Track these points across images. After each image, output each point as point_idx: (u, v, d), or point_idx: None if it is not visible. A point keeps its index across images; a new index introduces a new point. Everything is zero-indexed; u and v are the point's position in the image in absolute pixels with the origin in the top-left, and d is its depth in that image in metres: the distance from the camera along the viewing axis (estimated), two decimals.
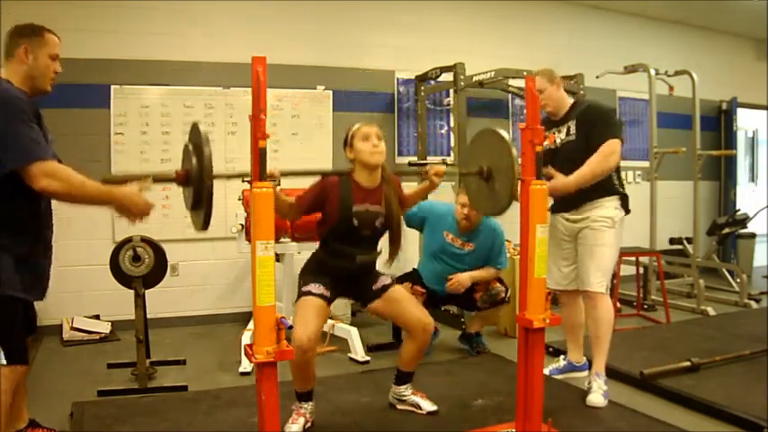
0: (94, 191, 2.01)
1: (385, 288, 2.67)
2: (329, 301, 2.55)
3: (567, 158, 2.83)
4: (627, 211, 2.98)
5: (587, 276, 2.92)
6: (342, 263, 2.56)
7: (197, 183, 1.88)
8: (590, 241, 2.91)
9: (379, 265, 2.71)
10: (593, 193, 2.88)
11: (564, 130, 2.96)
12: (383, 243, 2.66)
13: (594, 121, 2.85)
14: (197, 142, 1.91)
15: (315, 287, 2.53)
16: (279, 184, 2.21)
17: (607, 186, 2.89)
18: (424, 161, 5.04)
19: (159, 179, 2.09)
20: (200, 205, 1.90)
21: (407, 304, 2.68)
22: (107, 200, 2.04)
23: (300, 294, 2.55)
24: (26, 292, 2.06)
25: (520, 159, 2.31)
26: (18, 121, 1.94)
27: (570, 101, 3.04)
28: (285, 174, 2.21)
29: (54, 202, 2.19)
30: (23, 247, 2.05)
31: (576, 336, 3.25)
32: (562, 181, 2.71)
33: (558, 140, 2.95)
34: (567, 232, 3.02)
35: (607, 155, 2.77)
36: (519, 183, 2.27)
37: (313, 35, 4.93)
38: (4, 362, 2.00)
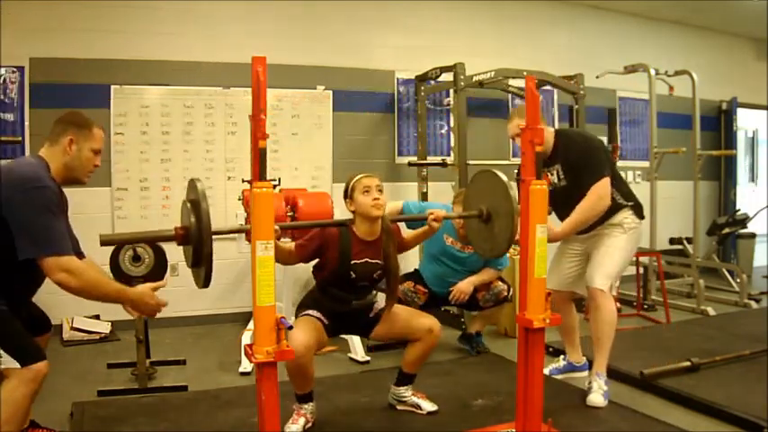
0: (109, 291, 2.10)
1: (381, 311, 2.69)
2: (327, 328, 2.56)
3: (564, 202, 2.87)
4: (641, 218, 3.00)
5: (593, 275, 2.91)
6: (337, 306, 2.60)
7: (196, 242, 1.88)
8: (602, 243, 2.94)
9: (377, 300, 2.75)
10: (602, 220, 2.91)
11: (554, 173, 2.96)
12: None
13: (580, 164, 2.86)
14: (195, 200, 1.90)
15: (314, 312, 2.57)
16: (278, 237, 2.22)
17: (613, 207, 2.90)
18: (424, 161, 5.04)
19: (158, 239, 2.11)
20: (200, 264, 1.90)
21: (406, 314, 2.71)
22: (120, 299, 2.12)
23: (298, 317, 2.58)
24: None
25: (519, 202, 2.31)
26: (46, 211, 1.99)
27: (552, 133, 2.98)
28: (284, 227, 2.22)
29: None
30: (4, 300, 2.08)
31: (571, 338, 3.26)
32: (554, 233, 2.74)
33: (553, 182, 2.95)
34: (579, 246, 3.06)
35: (595, 200, 2.80)
36: (519, 226, 2.29)
37: (313, 35, 4.93)
38: (18, 365, 2.01)
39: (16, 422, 2.03)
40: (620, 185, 2.97)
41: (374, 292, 2.71)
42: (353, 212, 2.57)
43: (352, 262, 2.53)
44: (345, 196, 2.60)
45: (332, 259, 2.53)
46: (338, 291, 2.58)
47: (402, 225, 2.81)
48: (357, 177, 2.56)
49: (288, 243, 2.56)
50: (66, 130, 2.16)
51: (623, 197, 2.96)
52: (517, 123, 2.88)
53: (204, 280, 1.90)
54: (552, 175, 2.96)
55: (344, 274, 2.53)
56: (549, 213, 2.95)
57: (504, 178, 2.36)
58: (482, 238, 2.50)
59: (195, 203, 1.88)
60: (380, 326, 2.69)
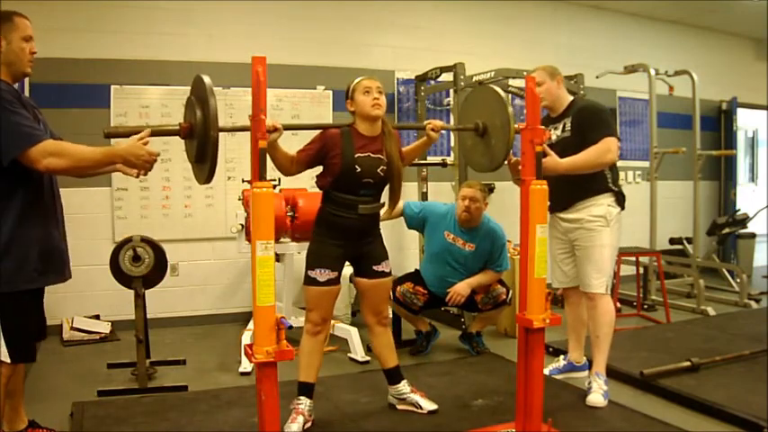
0: (96, 155, 2.05)
1: (381, 275, 2.70)
2: (336, 281, 2.59)
3: (562, 154, 2.79)
4: (622, 208, 2.97)
5: (587, 278, 2.92)
6: (346, 216, 2.55)
7: (202, 135, 1.86)
8: (586, 243, 2.91)
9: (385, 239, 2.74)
10: (585, 192, 2.89)
11: (560, 126, 2.96)
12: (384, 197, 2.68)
13: (591, 121, 2.85)
14: (201, 95, 1.88)
15: (320, 273, 2.55)
16: (280, 135, 2.20)
17: (600, 185, 2.90)
18: (425, 161, 5.03)
19: (161, 132, 2.09)
20: (205, 158, 1.88)
21: (380, 297, 2.76)
22: (110, 159, 2.07)
23: (307, 280, 2.57)
24: (42, 277, 2.07)
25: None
26: (5, 110, 1.94)
27: (569, 98, 3.03)
28: (287, 127, 2.21)
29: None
30: (35, 231, 2.05)
31: (578, 334, 3.25)
32: (554, 160, 2.65)
33: (554, 136, 2.95)
34: (563, 231, 3.03)
35: (603, 150, 2.77)
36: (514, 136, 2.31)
37: (313, 35, 4.93)
38: (8, 360, 2.00)
39: None
40: (614, 172, 2.96)
41: (380, 201, 2.65)
42: (353, 113, 2.58)
43: (356, 155, 2.51)
44: (346, 97, 2.60)
45: (335, 157, 2.50)
46: (344, 194, 2.54)
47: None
48: (358, 79, 2.57)
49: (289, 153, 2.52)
50: None
51: (612, 180, 2.95)
52: (537, 74, 2.92)
53: (208, 175, 1.89)
54: (556, 129, 2.96)
55: (349, 168, 2.50)
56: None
57: (501, 92, 2.37)
58: (479, 152, 2.51)
59: (201, 98, 1.87)
60: (367, 281, 2.69)
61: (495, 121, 2.37)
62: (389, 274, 2.74)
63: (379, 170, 2.56)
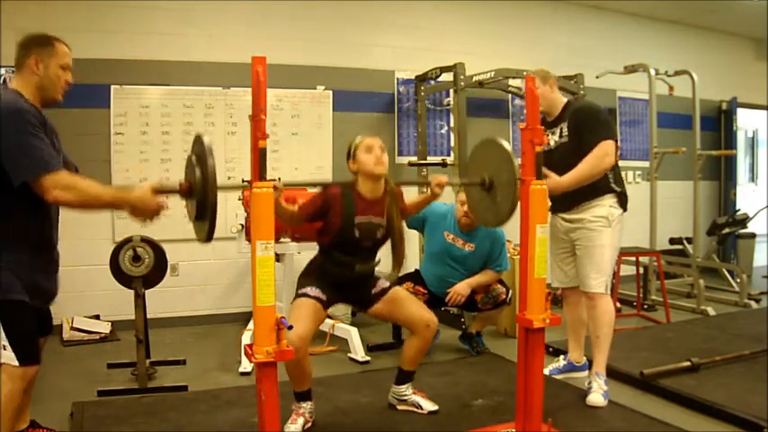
0: (106, 197, 2.04)
1: (384, 291, 2.68)
2: (325, 304, 2.56)
3: (561, 160, 2.82)
4: (624, 209, 2.97)
5: (586, 278, 2.92)
6: (341, 271, 2.59)
7: (201, 195, 1.88)
8: (587, 242, 2.91)
9: (386, 275, 2.73)
10: (588, 193, 2.88)
11: (557, 131, 2.95)
12: (383, 252, 2.67)
13: (586, 123, 2.85)
14: (201, 154, 1.90)
15: (311, 290, 2.55)
16: (281, 195, 2.22)
17: (602, 186, 2.89)
18: (424, 161, 5.04)
19: (161, 191, 2.10)
20: (204, 217, 1.89)
21: (408, 303, 2.70)
22: (119, 204, 2.06)
23: (296, 296, 2.57)
24: (31, 297, 2.07)
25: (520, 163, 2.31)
26: (27, 134, 1.95)
27: (564, 101, 3.03)
28: (288, 185, 2.21)
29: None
30: (25, 255, 2.05)
31: (577, 334, 3.25)
32: (554, 180, 2.69)
33: (552, 142, 2.95)
34: (564, 231, 3.03)
35: (601, 156, 2.77)
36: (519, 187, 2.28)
37: (313, 35, 4.93)
38: (17, 363, 2.01)
39: (8, 419, 2.02)
40: (616, 172, 2.95)
41: (377, 259, 2.67)
42: (356, 173, 2.57)
43: (356, 220, 2.51)
44: (348, 157, 2.60)
45: (335, 217, 2.51)
46: (342, 254, 2.56)
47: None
48: (359, 138, 2.57)
49: (292, 206, 2.52)
50: (29, 51, 2.10)
51: (615, 181, 2.95)
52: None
53: (207, 233, 1.90)
54: (554, 134, 2.95)
55: (348, 232, 2.51)
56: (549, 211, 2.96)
57: (507, 146, 2.35)
58: (484, 207, 2.50)
59: (201, 157, 1.88)
60: (382, 304, 2.67)
61: (502, 176, 2.35)
62: (392, 285, 2.73)
63: (378, 234, 2.58)
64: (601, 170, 2.79)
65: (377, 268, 2.72)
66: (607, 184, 2.91)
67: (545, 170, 2.69)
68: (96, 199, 2.02)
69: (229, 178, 4.62)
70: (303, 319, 2.44)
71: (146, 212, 2.05)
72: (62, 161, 2.08)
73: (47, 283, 2.18)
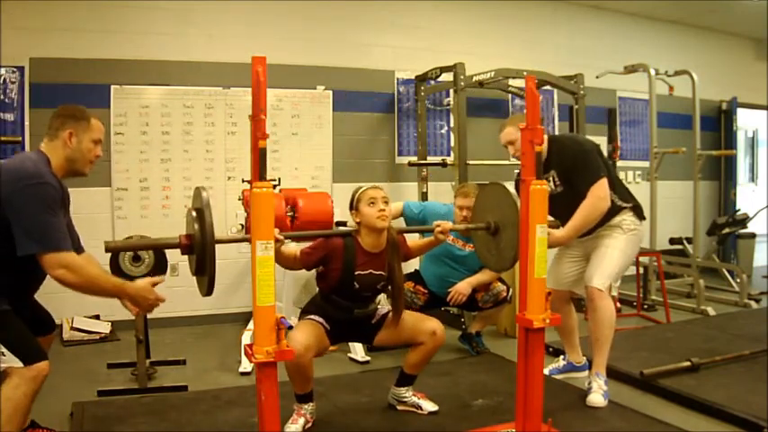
0: (107, 286, 2.11)
1: (383, 317, 2.70)
2: (329, 333, 2.58)
3: (562, 209, 2.81)
4: (641, 218, 2.99)
5: (591, 274, 2.90)
6: (340, 314, 2.61)
7: (200, 251, 1.89)
8: (601, 244, 2.93)
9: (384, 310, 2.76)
10: (600, 222, 2.89)
11: (550, 180, 2.94)
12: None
13: (575, 168, 2.84)
14: (199, 210, 1.90)
15: (316, 317, 2.59)
16: (282, 245, 2.24)
17: (611, 210, 2.88)
18: (424, 161, 5.04)
19: (162, 246, 2.13)
20: (204, 272, 1.91)
21: (412, 321, 2.68)
22: (119, 294, 2.13)
23: (301, 320, 2.61)
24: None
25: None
26: (45, 208, 1.99)
27: (545, 141, 2.97)
28: (288, 237, 2.25)
29: None
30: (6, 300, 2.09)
31: (570, 340, 3.26)
32: (554, 237, 2.68)
33: (549, 190, 2.94)
34: (580, 248, 3.05)
35: (595, 201, 2.78)
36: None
37: (313, 35, 4.93)
38: (21, 364, 2.03)
39: (17, 421, 2.04)
40: (617, 188, 2.95)
41: (377, 300, 2.71)
42: (358, 224, 2.58)
43: (357, 273, 2.53)
44: (351, 208, 2.61)
45: (336, 269, 2.53)
46: (341, 299, 2.59)
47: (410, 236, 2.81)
48: (363, 189, 2.58)
49: (292, 248, 2.54)
50: (65, 123, 2.16)
51: (621, 199, 2.96)
52: (509, 132, 2.90)
53: (207, 288, 1.92)
54: (549, 182, 2.94)
55: (348, 284, 2.54)
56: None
57: (514, 193, 2.36)
58: (487, 249, 2.51)
59: (200, 213, 1.90)
60: (384, 332, 2.69)
61: (507, 223, 2.36)
62: (389, 310, 2.72)
63: (378, 286, 2.60)
64: (598, 214, 2.80)
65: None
66: (615, 207, 2.91)
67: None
68: (97, 287, 2.09)
69: (229, 178, 4.62)
70: (307, 332, 2.48)
71: (143, 304, 2.16)
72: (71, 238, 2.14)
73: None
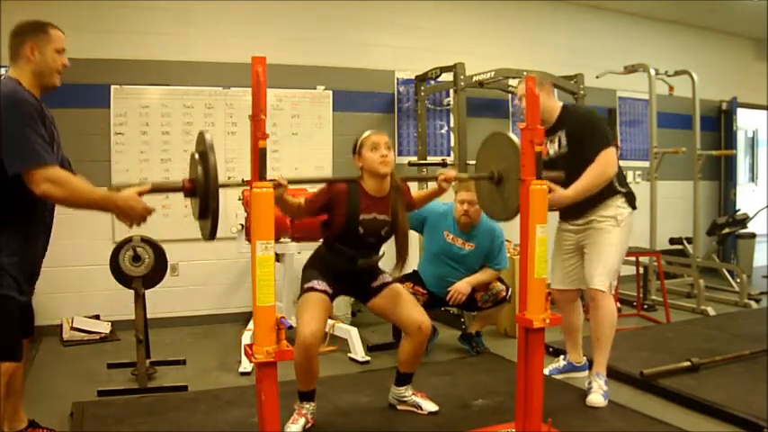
0: (93, 196, 2.04)
1: (385, 285, 2.68)
2: (331, 297, 2.58)
3: (563, 169, 2.79)
4: (633, 208, 2.98)
5: (591, 275, 2.91)
6: (343, 264, 2.59)
7: (203, 193, 1.88)
8: (595, 240, 2.92)
9: (386, 267, 2.72)
10: (595, 201, 2.89)
11: (556, 141, 2.95)
12: (387, 246, 2.67)
13: (585, 133, 2.85)
14: (203, 152, 1.90)
15: (317, 283, 2.55)
16: (285, 191, 2.22)
17: (607, 190, 2.89)
18: (424, 161, 5.04)
19: (166, 189, 2.10)
20: (207, 215, 1.90)
21: (404, 303, 2.68)
22: (105, 205, 2.06)
23: (303, 291, 2.56)
24: (20, 292, 2.07)
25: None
26: (23, 125, 1.94)
27: (559, 105, 3.01)
28: (292, 181, 2.22)
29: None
30: (16, 246, 2.05)
31: (574, 338, 3.25)
32: (560, 194, 2.70)
33: (552, 152, 2.94)
34: (572, 231, 3.03)
35: (604, 166, 2.78)
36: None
37: (313, 35, 4.93)
38: None
39: None
40: (619, 173, 2.96)
41: (380, 252, 2.67)
42: (361, 168, 2.57)
43: (361, 217, 2.51)
44: (354, 152, 2.60)
45: (340, 214, 2.51)
46: (345, 247, 2.56)
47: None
48: (366, 134, 2.57)
49: (297, 198, 2.52)
50: (24, 39, 2.12)
51: (618, 182, 2.96)
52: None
53: (210, 232, 1.91)
54: (553, 143, 2.95)
55: (352, 229, 2.51)
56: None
57: (516, 140, 2.35)
58: (492, 200, 2.50)
59: (204, 155, 1.89)
60: (380, 299, 2.67)
61: (511, 172, 2.35)
62: (393, 281, 2.73)
63: (383, 231, 2.58)
64: (604, 180, 2.80)
65: (382, 264, 2.73)
66: (611, 189, 2.91)
67: (549, 184, 2.69)
68: (84, 198, 2.03)
69: (229, 178, 4.61)
70: (314, 315, 2.45)
71: (131, 216, 2.06)
72: (58, 156, 2.09)
73: (38, 266, 2.19)
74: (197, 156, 1.95)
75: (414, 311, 2.67)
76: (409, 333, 2.66)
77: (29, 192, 1.96)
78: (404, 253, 2.59)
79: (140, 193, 2.04)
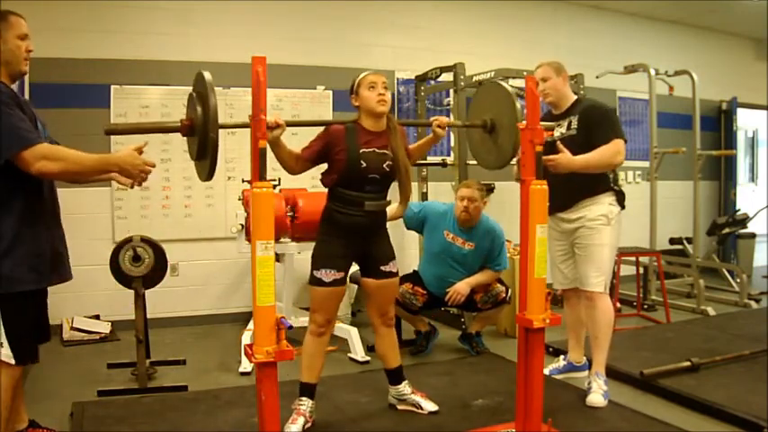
0: (91, 161, 2.03)
1: (388, 275, 2.68)
2: (342, 281, 2.58)
3: (569, 149, 2.80)
4: (622, 207, 2.97)
5: (586, 277, 2.92)
6: (352, 214, 2.53)
7: (202, 133, 1.87)
8: (587, 241, 2.91)
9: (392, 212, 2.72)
10: (588, 191, 2.89)
11: (565, 124, 2.94)
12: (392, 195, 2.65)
13: (599, 121, 2.85)
14: (202, 91, 1.89)
15: (326, 273, 2.53)
16: (283, 131, 2.20)
17: (602, 184, 2.90)
18: (425, 161, 5.03)
19: (162, 128, 2.07)
20: (206, 156, 1.89)
21: (387, 298, 2.73)
22: (105, 166, 2.05)
23: (313, 280, 2.56)
24: (40, 281, 2.06)
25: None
26: (4, 110, 1.93)
27: (574, 97, 3.03)
28: (290, 124, 2.20)
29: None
30: (36, 232, 2.04)
31: (578, 334, 3.25)
32: (568, 157, 2.66)
33: (558, 134, 2.94)
34: (563, 231, 3.02)
35: (614, 152, 2.77)
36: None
37: (313, 35, 4.93)
38: (13, 362, 2.00)
39: (5, 416, 2.02)
40: (614, 171, 2.97)
41: (387, 199, 2.62)
42: (358, 108, 2.58)
43: (361, 151, 2.49)
44: (351, 92, 2.60)
45: (340, 153, 2.49)
46: (350, 191, 2.52)
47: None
48: (363, 74, 2.57)
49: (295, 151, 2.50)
50: None
51: (613, 181, 2.96)
52: (544, 70, 2.97)
53: (208, 172, 1.90)
54: (560, 126, 2.95)
55: (354, 164, 2.47)
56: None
57: (510, 89, 2.36)
58: (486, 149, 2.51)
59: (202, 95, 1.88)
60: (374, 281, 2.66)
61: (503, 119, 2.37)
62: (396, 274, 2.72)
63: (384, 165, 2.53)
64: (611, 164, 2.81)
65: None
66: (606, 183, 2.92)
67: (559, 145, 2.68)
68: (81, 164, 2.00)
69: (229, 178, 4.62)
70: (327, 305, 2.56)
71: (133, 172, 2.04)
72: (44, 135, 2.08)
73: (61, 247, 2.18)
74: (195, 95, 1.94)
75: (384, 304, 2.73)
76: (375, 322, 2.74)
77: (24, 178, 1.95)
78: (407, 190, 2.61)
79: (138, 149, 2.03)
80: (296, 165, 2.50)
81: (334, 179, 2.54)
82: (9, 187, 1.99)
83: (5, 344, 1.99)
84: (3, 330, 1.99)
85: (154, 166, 2.09)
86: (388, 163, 2.54)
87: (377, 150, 2.52)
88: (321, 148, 2.51)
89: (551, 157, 2.56)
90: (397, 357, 2.80)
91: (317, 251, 2.60)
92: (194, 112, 1.91)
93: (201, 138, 1.89)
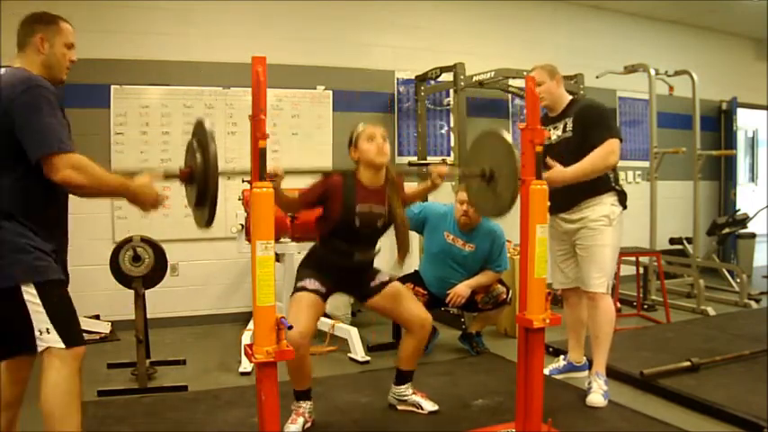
0: (114, 183, 2.02)
1: (383, 284, 2.68)
2: (324, 296, 2.56)
3: (562, 155, 2.80)
4: (624, 207, 2.97)
5: (588, 278, 2.92)
6: (340, 260, 2.57)
7: (202, 182, 1.87)
8: (589, 242, 2.91)
9: (389, 267, 2.71)
10: (589, 192, 2.88)
11: (560, 126, 2.94)
12: (383, 241, 2.67)
13: (593, 121, 2.84)
14: (202, 139, 1.89)
15: (309, 282, 2.54)
16: (281, 181, 2.21)
17: (603, 184, 2.89)
18: (424, 161, 5.04)
19: (165, 174, 2.08)
20: (204, 204, 1.89)
21: (406, 300, 2.69)
22: (123, 193, 2.04)
23: (295, 290, 2.56)
24: (65, 274, 2.06)
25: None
26: (45, 111, 1.91)
27: (569, 98, 3.03)
28: (288, 172, 2.21)
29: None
30: (55, 237, 2.04)
31: (578, 334, 3.25)
32: (559, 170, 2.69)
33: (554, 136, 2.94)
34: (564, 231, 3.01)
35: (608, 153, 2.76)
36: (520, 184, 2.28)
37: (313, 35, 4.93)
38: (62, 345, 1.94)
39: (75, 405, 1.96)
40: (615, 171, 2.96)
41: (377, 248, 2.66)
42: (357, 161, 2.58)
43: (357, 209, 2.50)
44: (349, 145, 2.61)
45: (335, 206, 2.50)
46: (341, 242, 2.54)
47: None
48: (362, 126, 2.58)
49: (292, 193, 2.51)
50: (34, 29, 2.07)
51: (614, 180, 2.95)
52: (538, 74, 2.95)
53: (208, 219, 1.90)
54: (556, 129, 2.95)
55: (348, 221, 2.49)
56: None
57: (508, 136, 2.35)
58: (485, 198, 2.49)
59: (203, 143, 1.87)
60: (380, 297, 2.66)
61: (503, 169, 2.34)
62: (391, 280, 2.72)
63: (378, 223, 2.56)
64: (605, 167, 2.79)
65: (378, 261, 2.72)
66: (607, 183, 2.91)
67: (549, 161, 2.69)
68: (104, 184, 1.99)
69: (229, 178, 4.61)
70: (303, 315, 2.44)
71: (146, 202, 2.04)
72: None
73: (65, 254, 2.16)
74: (195, 143, 1.93)
75: (416, 308, 2.69)
76: (411, 329, 2.67)
77: (49, 181, 1.93)
78: (404, 243, 2.58)
79: (153, 180, 2.03)
80: (292, 206, 2.55)
81: (327, 228, 2.57)
82: (33, 185, 1.97)
83: (52, 329, 1.94)
84: (47, 317, 1.94)
85: (166, 198, 2.11)
86: (382, 221, 2.56)
87: (373, 209, 2.53)
88: (317, 196, 2.53)
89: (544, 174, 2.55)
90: (414, 363, 2.78)
91: (302, 268, 2.62)
92: (194, 159, 1.91)
93: (201, 186, 1.89)
